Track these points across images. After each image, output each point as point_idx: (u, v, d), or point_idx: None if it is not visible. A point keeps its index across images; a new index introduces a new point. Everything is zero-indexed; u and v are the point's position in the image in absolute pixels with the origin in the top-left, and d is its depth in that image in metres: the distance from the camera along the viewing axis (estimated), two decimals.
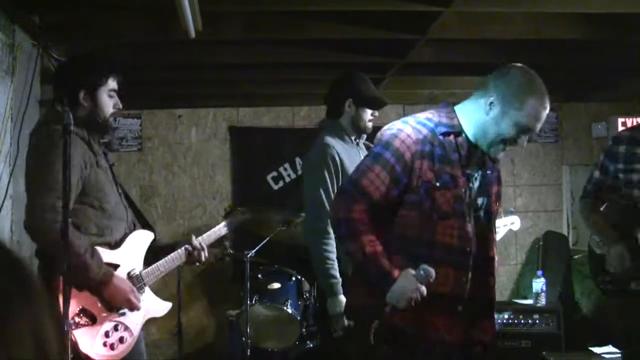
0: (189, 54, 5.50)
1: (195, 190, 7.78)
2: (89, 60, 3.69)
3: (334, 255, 4.22)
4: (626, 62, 5.99)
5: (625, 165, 4.19)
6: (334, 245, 4.22)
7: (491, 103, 2.98)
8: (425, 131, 3.03)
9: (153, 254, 3.73)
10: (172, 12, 3.94)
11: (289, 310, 5.65)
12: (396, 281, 2.93)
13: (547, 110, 2.99)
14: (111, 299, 3.42)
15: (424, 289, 2.91)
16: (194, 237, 3.91)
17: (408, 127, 3.04)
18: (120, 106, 3.63)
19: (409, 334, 3.07)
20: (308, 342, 5.79)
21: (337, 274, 4.21)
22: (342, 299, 4.16)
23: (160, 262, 3.72)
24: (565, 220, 8.12)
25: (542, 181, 8.15)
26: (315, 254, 4.26)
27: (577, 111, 8.17)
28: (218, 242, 4.80)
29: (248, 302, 5.58)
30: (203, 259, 3.91)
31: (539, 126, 3.01)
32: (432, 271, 2.90)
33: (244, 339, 5.61)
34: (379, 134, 3.17)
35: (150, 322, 3.85)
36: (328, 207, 4.18)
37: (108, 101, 3.56)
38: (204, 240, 3.98)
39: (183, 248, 3.83)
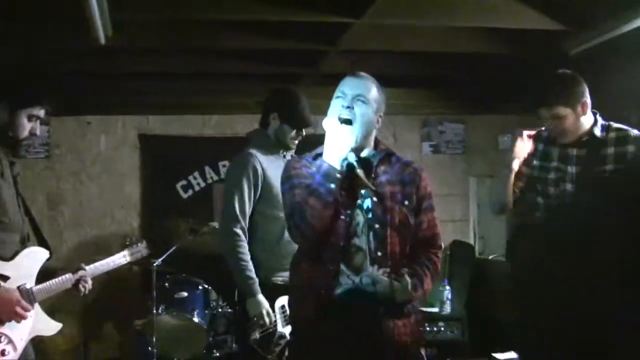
0: (100, 61, 5.42)
1: (103, 199, 7.67)
2: (23, 79, 3.64)
3: (247, 257, 4.26)
4: (529, 76, 6.16)
5: (541, 163, 4.29)
6: (247, 248, 4.28)
7: None
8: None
9: (43, 276, 3.67)
10: (82, 19, 3.90)
11: (196, 320, 5.63)
12: None
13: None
14: None
15: None
16: (84, 267, 3.86)
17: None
18: (37, 133, 3.62)
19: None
20: (215, 351, 5.78)
21: (254, 275, 4.23)
22: (261, 298, 4.20)
23: (52, 281, 3.68)
24: (472, 230, 8.30)
25: (450, 191, 8.29)
26: (230, 257, 4.28)
27: (484, 123, 8.35)
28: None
29: (155, 311, 5.54)
30: (82, 292, 3.87)
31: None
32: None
33: (150, 348, 5.56)
34: None
35: (56, 334, 3.78)
36: (239, 213, 4.28)
37: (26, 124, 3.52)
38: (95, 269, 3.97)
39: (72, 273, 3.80)
